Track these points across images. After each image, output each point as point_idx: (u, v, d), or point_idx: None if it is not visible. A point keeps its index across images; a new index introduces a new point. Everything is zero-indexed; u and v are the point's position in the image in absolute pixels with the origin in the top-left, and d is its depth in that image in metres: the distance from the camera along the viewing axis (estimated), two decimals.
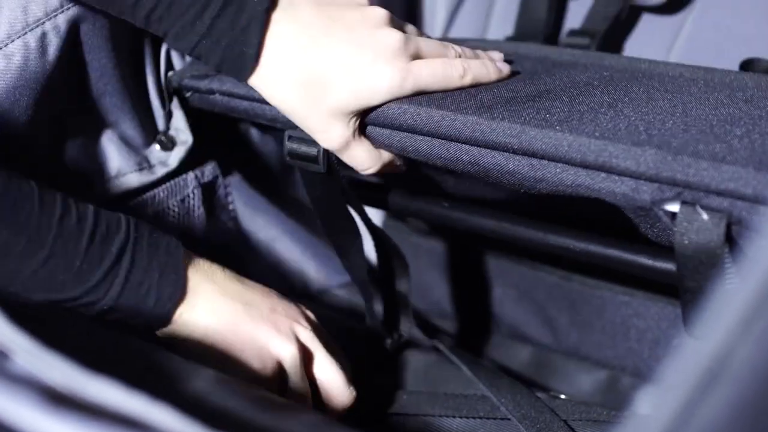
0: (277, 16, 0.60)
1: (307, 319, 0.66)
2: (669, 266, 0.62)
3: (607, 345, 0.85)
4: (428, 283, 0.95)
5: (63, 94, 0.66)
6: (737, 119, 0.54)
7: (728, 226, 0.50)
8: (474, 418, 0.67)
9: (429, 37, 0.65)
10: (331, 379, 0.64)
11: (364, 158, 0.64)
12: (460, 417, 0.67)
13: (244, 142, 0.87)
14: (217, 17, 0.59)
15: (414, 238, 0.94)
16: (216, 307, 0.61)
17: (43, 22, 0.62)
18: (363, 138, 0.64)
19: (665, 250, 0.62)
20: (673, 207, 0.52)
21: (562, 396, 0.82)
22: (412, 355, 0.78)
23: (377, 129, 0.63)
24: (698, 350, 0.31)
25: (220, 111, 0.73)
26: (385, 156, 0.65)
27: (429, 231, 0.95)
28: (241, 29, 0.59)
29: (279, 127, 0.69)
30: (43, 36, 0.62)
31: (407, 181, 0.74)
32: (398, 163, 0.67)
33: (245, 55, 0.59)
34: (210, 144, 0.78)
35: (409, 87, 0.60)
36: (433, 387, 0.71)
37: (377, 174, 0.66)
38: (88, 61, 0.67)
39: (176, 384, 0.48)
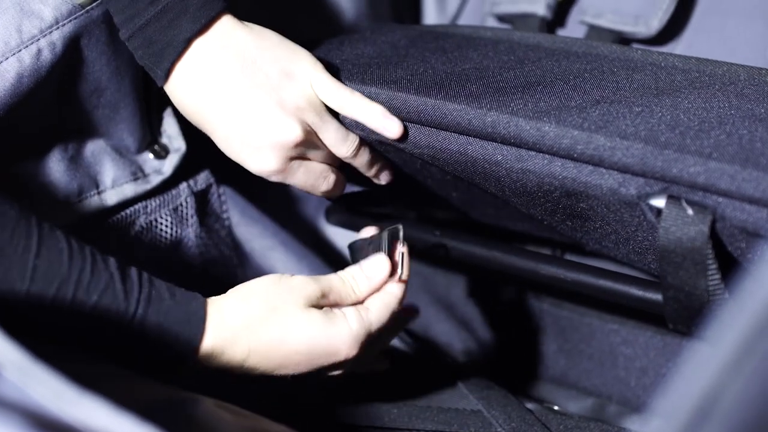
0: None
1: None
2: (657, 297, 0.63)
3: (594, 373, 0.85)
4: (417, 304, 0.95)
5: (57, 107, 0.66)
6: (727, 114, 0.54)
7: (713, 223, 0.50)
8: None
9: None
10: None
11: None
12: (451, 431, 0.66)
13: None
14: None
15: None
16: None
17: (38, 39, 0.62)
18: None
19: (654, 282, 0.63)
20: (659, 202, 0.52)
21: (556, 407, 0.82)
22: (404, 368, 0.78)
23: None
24: (689, 388, 0.31)
25: None
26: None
27: (419, 253, 0.95)
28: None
29: None
30: (38, 53, 0.62)
31: (395, 184, 0.74)
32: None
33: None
34: (205, 153, 0.78)
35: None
36: (425, 401, 0.71)
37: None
38: (83, 75, 0.67)
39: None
